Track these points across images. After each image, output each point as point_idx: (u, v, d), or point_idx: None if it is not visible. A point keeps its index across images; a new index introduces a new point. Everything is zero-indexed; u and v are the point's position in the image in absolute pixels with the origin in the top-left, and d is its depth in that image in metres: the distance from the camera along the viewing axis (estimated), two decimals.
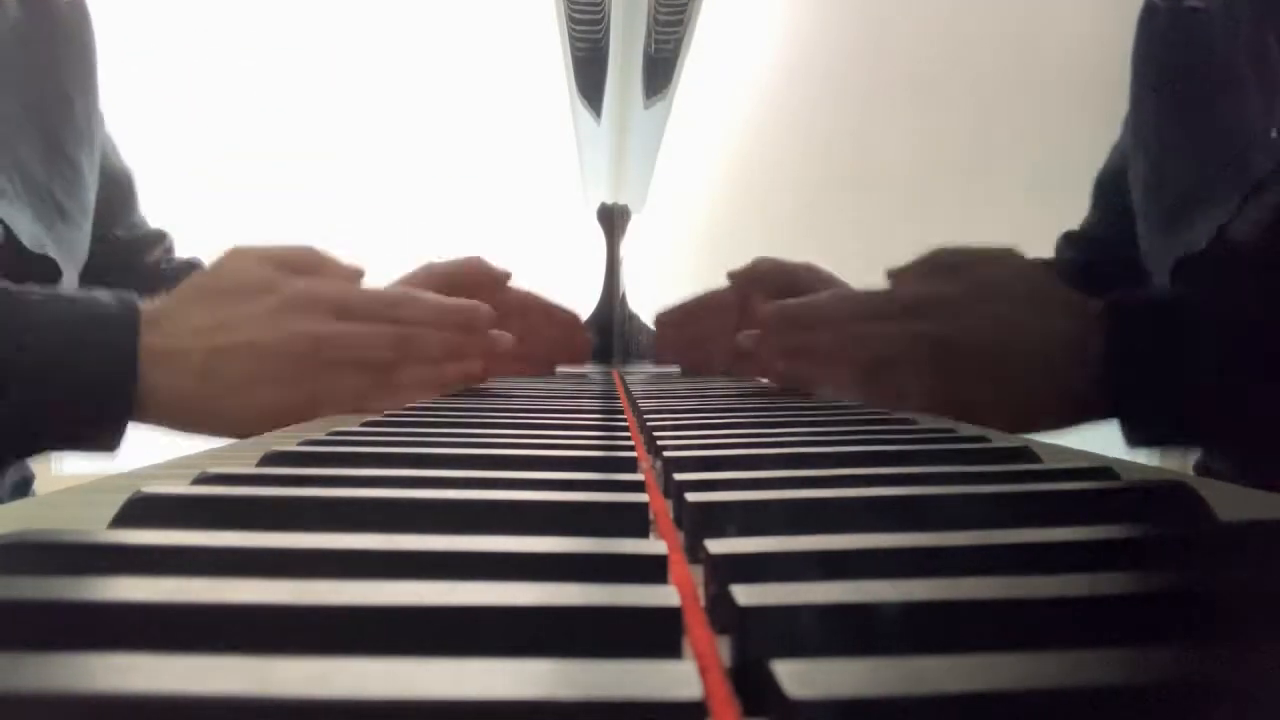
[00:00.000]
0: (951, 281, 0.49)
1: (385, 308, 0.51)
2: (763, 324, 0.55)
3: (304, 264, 0.51)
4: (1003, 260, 0.50)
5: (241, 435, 0.46)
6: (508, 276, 0.66)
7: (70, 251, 0.65)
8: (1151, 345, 0.46)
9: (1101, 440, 0.47)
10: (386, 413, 0.47)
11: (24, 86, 0.65)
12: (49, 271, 0.60)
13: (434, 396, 0.52)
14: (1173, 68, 0.63)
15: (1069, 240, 0.79)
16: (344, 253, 0.56)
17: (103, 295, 0.49)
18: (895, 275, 0.52)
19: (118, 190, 0.78)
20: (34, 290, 0.49)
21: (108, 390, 0.46)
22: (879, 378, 0.49)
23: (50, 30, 0.67)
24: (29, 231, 0.60)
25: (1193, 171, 0.60)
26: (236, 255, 0.51)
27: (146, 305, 0.48)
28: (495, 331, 0.57)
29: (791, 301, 0.54)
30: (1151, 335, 0.47)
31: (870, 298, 0.51)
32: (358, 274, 0.54)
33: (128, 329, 0.47)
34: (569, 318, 0.68)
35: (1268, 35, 0.54)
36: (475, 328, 0.54)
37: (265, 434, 0.44)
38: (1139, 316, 0.48)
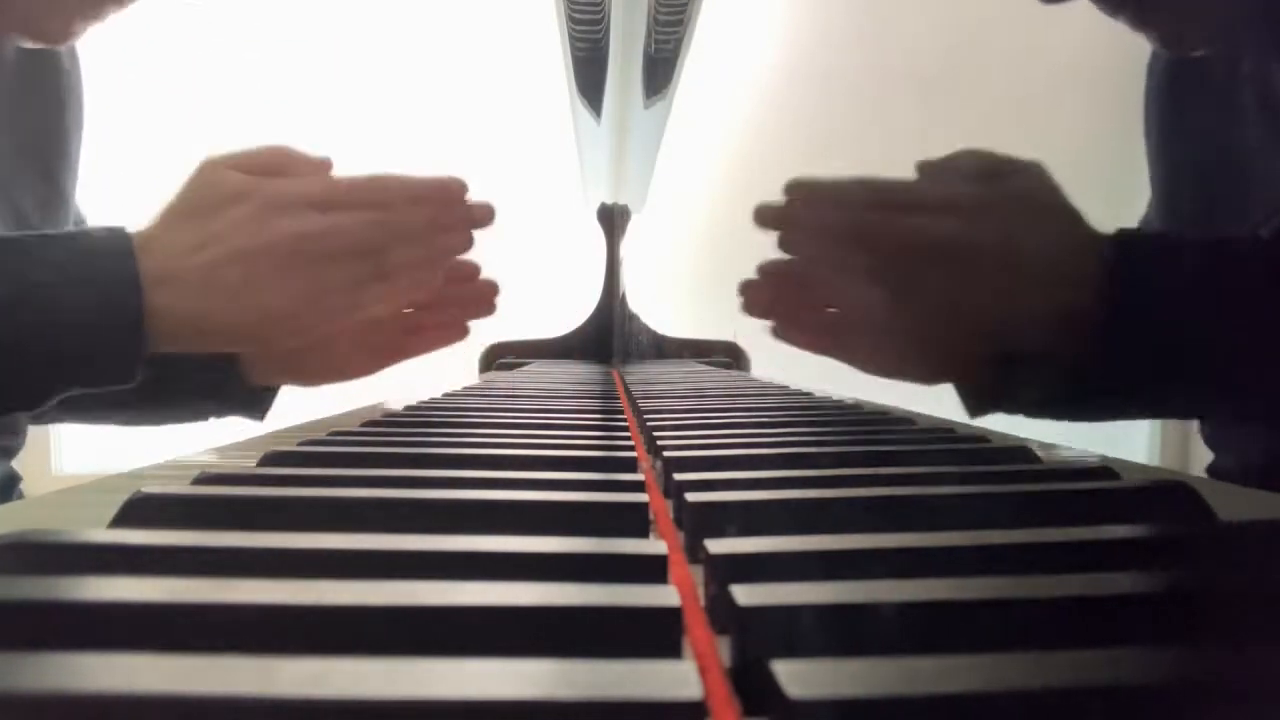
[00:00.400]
0: (976, 185, 0.50)
1: (363, 194, 0.51)
2: (791, 190, 0.55)
3: (275, 164, 0.52)
4: (1027, 173, 0.51)
5: (252, 343, 0.49)
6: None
7: None
8: (1142, 283, 0.47)
9: (1103, 440, 0.47)
10: (386, 413, 0.47)
11: (22, 126, 0.66)
12: None
13: (429, 274, 0.53)
14: (1172, 100, 0.64)
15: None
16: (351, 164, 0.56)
17: (92, 229, 0.49)
18: (925, 169, 0.52)
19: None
20: (28, 235, 0.49)
21: (118, 318, 0.46)
22: (891, 268, 0.49)
23: (53, 72, 0.69)
24: None
25: (1196, 202, 0.60)
26: (208, 167, 0.51)
27: (135, 231, 0.49)
28: (474, 201, 0.56)
29: (819, 179, 0.54)
30: (1146, 273, 0.47)
31: (898, 189, 0.52)
32: (327, 165, 0.54)
33: (125, 256, 0.47)
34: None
35: (1275, 68, 0.54)
36: (452, 197, 0.54)
37: (265, 434, 0.44)
38: (1139, 250, 0.48)
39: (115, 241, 0.48)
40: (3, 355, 0.45)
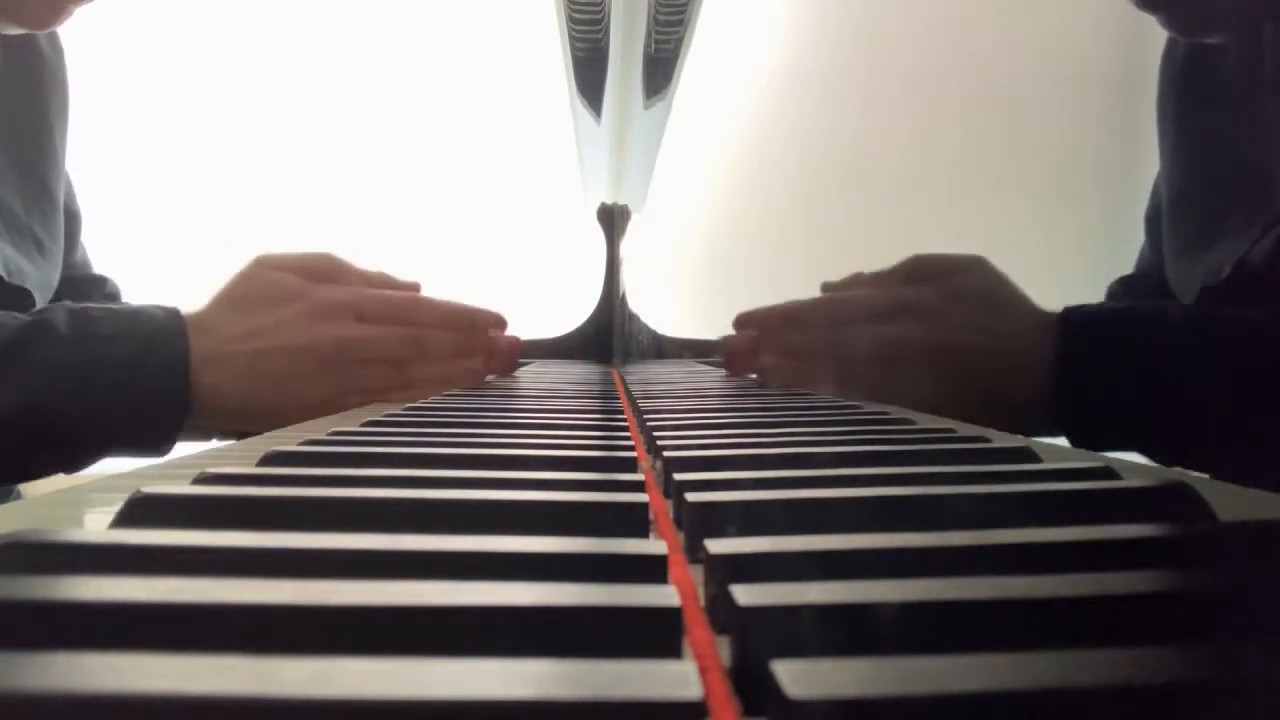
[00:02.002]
0: (924, 288, 0.55)
1: (400, 311, 0.58)
2: (757, 322, 0.61)
3: (324, 271, 0.58)
4: (973, 269, 0.56)
5: (280, 426, 0.52)
6: (416, 288, 0.65)
7: (44, 284, 0.68)
8: (1095, 354, 0.51)
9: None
10: (386, 413, 0.47)
11: (10, 124, 0.66)
12: (22, 301, 0.62)
13: (443, 390, 0.59)
14: (1195, 100, 0.64)
15: (1124, 285, 0.79)
16: (346, 252, 0.61)
17: (149, 307, 0.54)
18: (876, 279, 0.58)
19: (68, 230, 0.78)
20: (93, 306, 0.54)
21: (167, 393, 0.51)
22: (856, 374, 0.55)
23: (34, 65, 0.69)
24: (7, 261, 0.61)
25: (1214, 202, 0.61)
26: (262, 264, 0.56)
27: (189, 313, 0.54)
28: (494, 332, 0.64)
29: (781, 304, 0.60)
30: (1096, 345, 0.52)
31: (852, 302, 0.58)
32: (372, 277, 0.60)
33: (179, 336, 0.52)
34: (476, 317, 0.65)
35: None
36: (478, 328, 0.62)
37: (265, 434, 0.44)
38: (1085, 326, 0.53)
39: (171, 323, 0.53)
40: (63, 421, 0.49)
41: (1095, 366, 0.51)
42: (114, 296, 0.81)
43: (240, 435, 0.60)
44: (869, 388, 0.54)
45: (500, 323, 0.67)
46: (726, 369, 0.73)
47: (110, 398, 0.50)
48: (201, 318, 0.54)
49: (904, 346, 0.53)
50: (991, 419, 0.50)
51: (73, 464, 0.54)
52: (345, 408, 0.54)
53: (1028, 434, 0.54)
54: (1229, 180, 0.60)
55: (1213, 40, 0.61)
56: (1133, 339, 0.52)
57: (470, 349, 0.61)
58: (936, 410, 0.49)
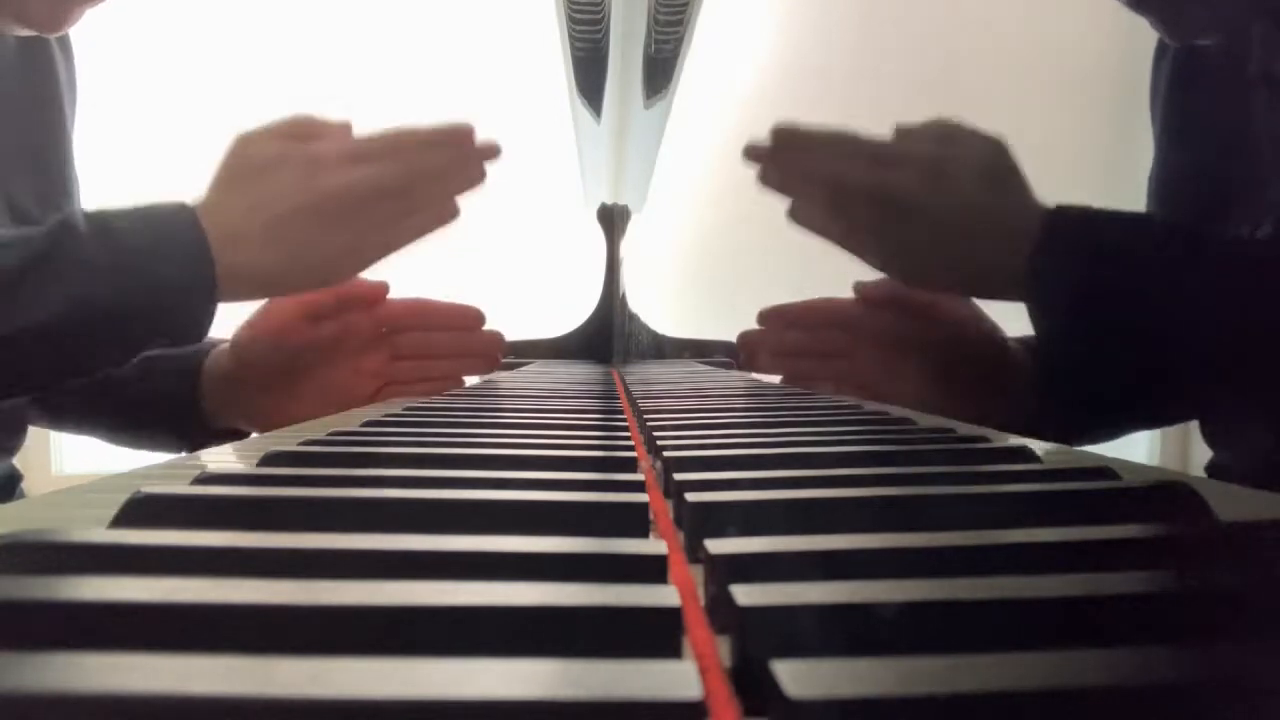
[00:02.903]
0: (938, 149, 0.57)
1: (387, 146, 0.59)
2: (773, 138, 0.63)
3: (305, 130, 0.59)
4: (985, 144, 0.57)
5: (315, 285, 0.59)
6: (385, 288, 0.67)
7: None
8: (1075, 249, 0.54)
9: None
10: (386, 413, 0.47)
11: (22, 119, 0.67)
12: None
13: (452, 204, 0.62)
14: (1183, 96, 0.65)
15: None
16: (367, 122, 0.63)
17: (157, 202, 0.56)
18: (899, 132, 0.59)
19: None
20: (107, 209, 0.55)
21: (195, 277, 0.53)
22: (849, 208, 0.58)
23: (49, 68, 0.70)
24: None
25: (1203, 200, 0.61)
26: (243, 139, 0.57)
27: (195, 203, 0.55)
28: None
29: (800, 125, 0.62)
30: (1077, 238, 0.54)
31: (869, 146, 0.59)
32: (349, 126, 0.61)
33: (192, 224, 0.54)
34: (469, 315, 0.69)
35: (1275, 64, 0.55)
36: (464, 141, 0.63)
37: (266, 434, 0.44)
38: (1071, 221, 0.55)
39: (182, 212, 0.54)
40: (105, 318, 0.52)
41: (1072, 259, 0.54)
42: None
43: (193, 405, 0.66)
44: (856, 230, 0.58)
45: (479, 319, 0.68)
46: (745, 359, 0.74)
47: (142, 287, 0.52)
48: (206, 204, 0.55)
49: (900, 194, 0.56)
50: (961, 291, 0.58)
51: (122, 358, 0.56)
52: (370, 250, 0.58)
53: (995, 298, 0.58)
54: (1216, 177, 0.61)
55: (1203, 42, 0.61)
56: (1114, 240, 0.54)
57: (463, 161, 0.62)
58: (910, 271, 0.55)
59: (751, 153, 0.64)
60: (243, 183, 0.56)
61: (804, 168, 0.61)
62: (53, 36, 0.68)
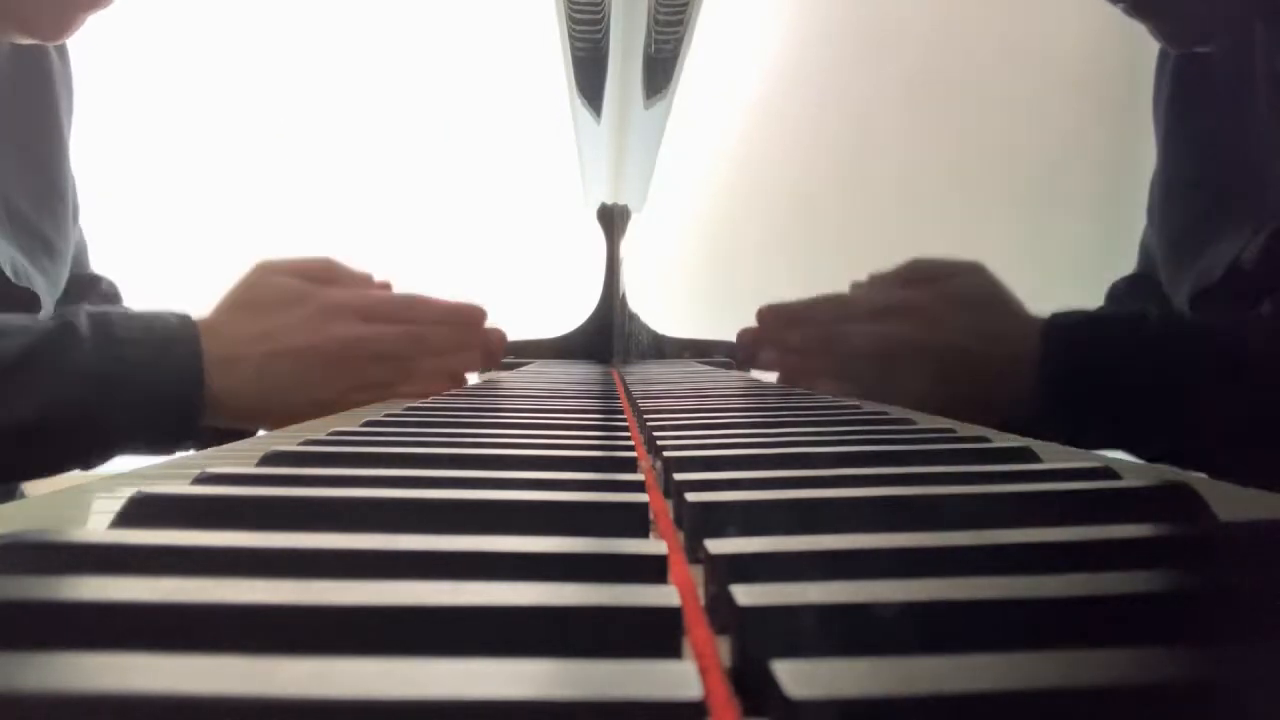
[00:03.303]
0: (922, 290, 0.57)
1: (401, 310, 0.61)
2: (758, 319, 0.64)
3: (326, 274, 0.60)
4: (968, 274, 0.58)
5: (289, 423, 0.53)
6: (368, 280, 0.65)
7: (52, 284, 0.69)
8: (1077, 358, 0.54)
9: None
10: (386, 413, 0.47)
11: (17, 122, 0.67)
12: (29, 303, 0.63)
13: (445, 382, 0.62)
14: (1187, 101, 0.65)
15: (1130, 284, 0.78)
16: (347, 255, 0.64)
17: (163, 312, 0.57)
18: (876, 280, 0.60)
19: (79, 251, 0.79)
20: (112, 311, 0.56)
21: (183, 396, 0.53)
22: (852, 370, 0.57)
23: (43, 70, 0.70)
24: (10, 262, 0.61)
25: (1200, 200, 0.61)
26: (265, 270, 0.59)
27: (200, 320, 0.56)
28: (490, 327, 0.67)
29: (783, 302, 0.63)
30: (1078, 348, 0.54)
31: (851, 301, 0.60)
32: (369, 279, 0.62)
33: (193, 341, 0.54)
34: (470, 313, 0.67)
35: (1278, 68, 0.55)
36: (474, 323, 0.65)
37: (266, 434, 0.44)
38: (1069, 330, 0.55)
39: (185, 327, 0.55)
40: (86, 423, 0.52)
41: (1077, 369, 0.54)
42: (110, 296, 0.82)
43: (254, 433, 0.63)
44: (864, 384, 0.56)
45: (481, 316, 0.68)
46: (742, 359, 0.76)
47: (130, 400, 0.52)
48: (212, 322, 0.56)
49: (898, 345, 0.56)
50: (981, 419, 0.51)
51: (90, 462, 0.56)
52: (353, 404, 0.56)
53: (1019, 434, 0.56)
54: (1220, 181, 0.61)
55: (1202, 49, 0.61)
56: (1114, 342, 0.55)
57: (467, 343, 0.64)
58: (928, 409, 0.51)
59: (744, 338, 0.66)
60: (253, 311, 0.57)
61: (796, 340, 0.62)
62: (54, 45, 0.68)
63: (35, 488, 0.71)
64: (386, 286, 0.66)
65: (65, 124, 0.73)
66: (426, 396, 0.59)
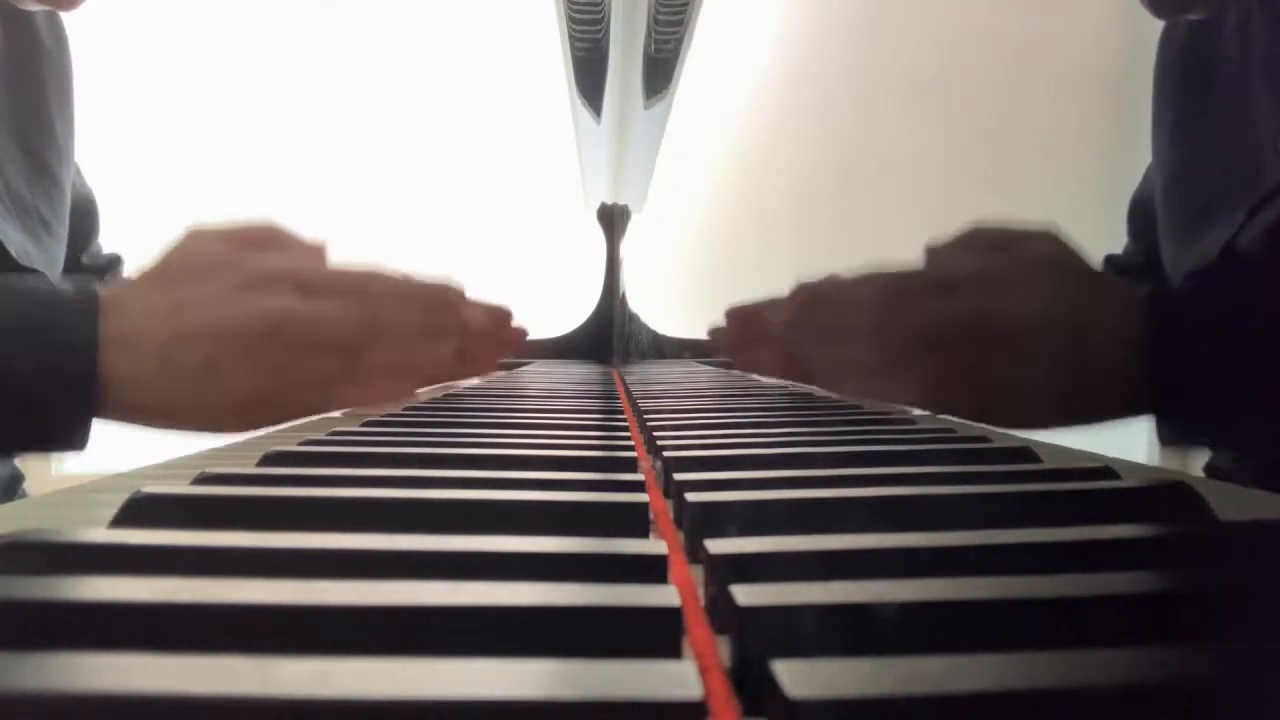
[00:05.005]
0: (992, 259, 0.45)
1: (352, 284, 0.46)
2: (790, 305, 0.51)
3: (265, 240, 0.47)
4: (1045, 239, 0.46)
5: (207, 429, 0.44)
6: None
7: (52, 264, 0.68)
8: (1194, 338, 0.43)
9: (1105, 440, 0.46)
10: (386, 413, 0.47)
11: (9, 107, 0.67)
12: (37, 284, 0.61)
13: (408, 384, 0.49)
14: (1186, 82, 0.64)
15: (1108, 264, 0.77)
16: (347, 255, 0.52)
17: (64, 284, 0.46)
18: (932, 252, 0.47)
19: (86, 217, 0.79)
20: (12, 281, 0.45)
21: (70, 380, 0.42)
22: (915, 361, 0.44)
23: (33, 53, 0.69)
24: (17, 244, 0.61)
25: (1204, 184, 0.60)
26: (194, 235, 0.46)
27: (107, 292, 0.44)
28: (472, 307, 0.53)
29: (819, 280, 0.50)
30: (1195, 328, 0.43)
31: (905, 276, 0.46)
32: (321, 249, 0.48)
33: (88, 315, 0.43)
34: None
35: (1278, 49, 0.54)
36: (448, 305, 0.50)
37: (266, 433, 0.44)
38: (1184, 307, 0.44)
39: (81, 300, 0.43)
40: None
41: (1191, 349, 0.43)
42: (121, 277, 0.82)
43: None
44: (924, 382, 0.45)
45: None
46: (724, 350, 0.61)
47: (5, 382, 0.41)
48: (118, 295, 0.44)
49: (975, 323, 0.43)
50: (1074, 410, 0.44)
51: None
52: (286, 409, 0.45)
53: (1116, 416, 0.44)
54: (1221, 164, 0.60)
55: (1193, 17, 0.61)
56: (1232, 321, 0.43)
57: (439, 329, 0.49)
58: (1008, 404, 0.43)
59: (775, 313, 0.51)
60: (166, 283, 0.44)
61: (831, 326, 0.48)
62: (70, 12, 0.68)
63: (35, 488, 0.71)
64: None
65: (56, 109, 0.72)
66: (385, 402, 0.49)
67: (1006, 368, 0.43)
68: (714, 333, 0.57)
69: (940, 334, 0.43)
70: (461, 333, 0.50)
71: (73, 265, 0.75)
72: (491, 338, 0.56)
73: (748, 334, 0.57)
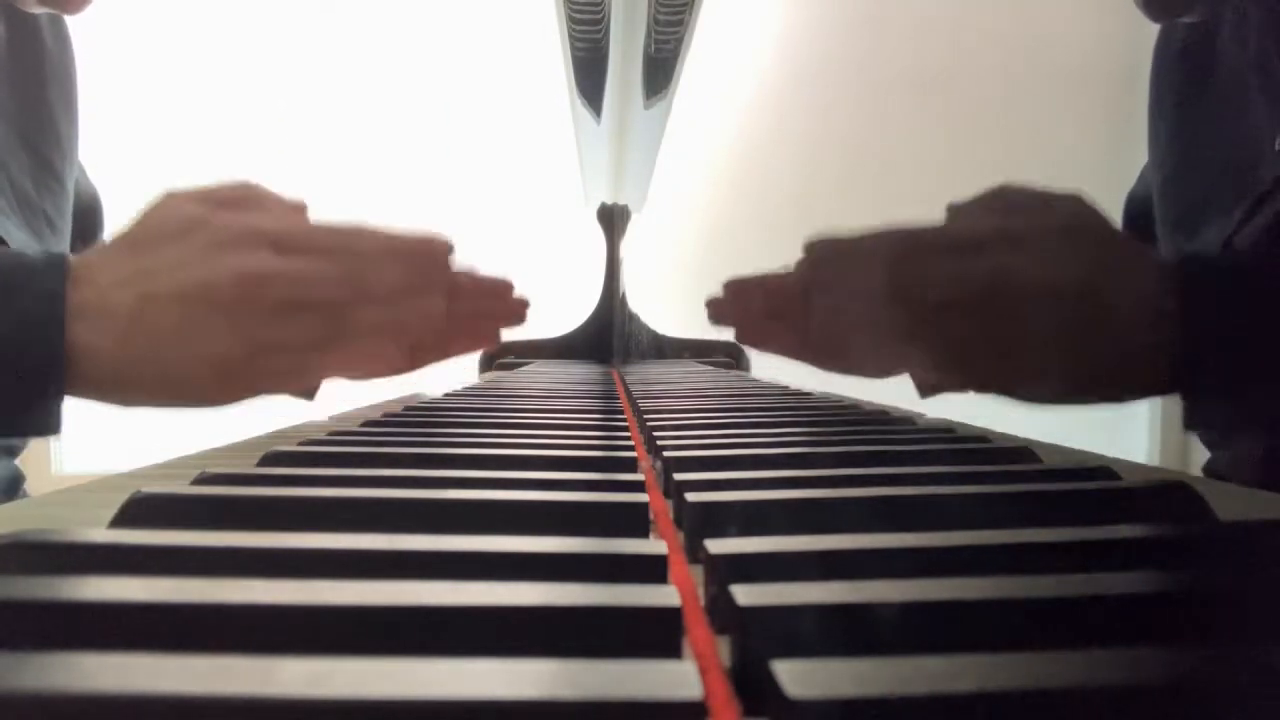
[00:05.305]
0: (1016, 218, 0.43)
1: (332, 240, 0.44)
2: (802, 264, 0.48)
3: (240, 200, 0.44)
4: (1073, 202, 0.44)
5: (183, 402, 0.42)
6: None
7: None
8: (1230, 311, 0.41)
9: (1104, 441, 0.46)
10: (386, 413, 0.47)
11: (13, 107, 0.67)
12: None
13: (396, 342, 0.45)
14: (1184, 82, 0.64)
15: None
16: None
17: (31, 250, 0.43)
18: (956, 211, 0.45)
19: (91, 215, 0.79)
20: None
21: (34, 352, 0.39)
22: (937, 324, 0.42)
23: (36, 53, 0.69)
24: (21, 243, 0.61)
25: (1201, 183, 0.60)
26: (168, 197, 0.44)
27: (76, 258, 0.42)
28: (461, 266, 0.49)
29: (835, 237, 0.47)
30: (1231, 299, 0.41)
31: (928, 233, 0.44)
32: (302, 207, 0.46)
33: (50, 281, 0.40)
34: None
35: (1272, 49, 0.54)
36: (436, 260, 0.47)
37: (266, 433, 0.44)
38: (1219, 276, 0.42)
39: (47, 266, 0.41)
40: None
41: (1230, 320, 0.41)
42: None
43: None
44: (942, 349, 0.42)
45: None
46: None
47: None
48: (87, 261, 0.41)
49: (997, 284, 0.40)
50: (1099, 382, 0.42)
51: None
52: (266, 377, 0.42)
53: (1141, 392, 0.42)
54: (1217, 163, 0.60)
55: (1188, 20, 0.61)
56: (1267, 289, 0.41)
57: (426, 286, 0.45)
58: (1030, 374, 0.40)
59: (788, 274, 0.49)
60: (137, 246, 0.42)
61: (857, 282, 0.45)
62: (73, 15, 0.68)
63: (36, 488, 0.71)
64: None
65: (59, 109, 0.72)
66: (374, 368, 0.46)
67: (1030, 333, 0.41)
68: (712, 304, 0.53)
69: (960, 294, 0.41)
70: (452, 288, 0.47)
71: None
72: (489, 304, 0.51)
73: (752, 306, 0.53)
